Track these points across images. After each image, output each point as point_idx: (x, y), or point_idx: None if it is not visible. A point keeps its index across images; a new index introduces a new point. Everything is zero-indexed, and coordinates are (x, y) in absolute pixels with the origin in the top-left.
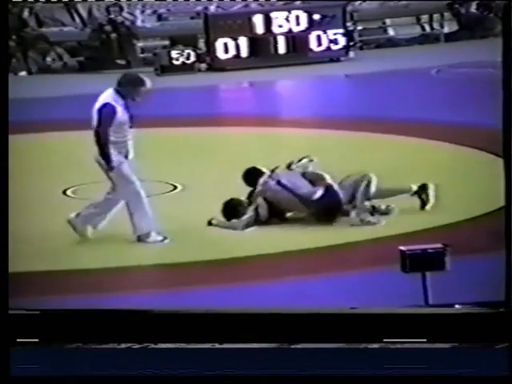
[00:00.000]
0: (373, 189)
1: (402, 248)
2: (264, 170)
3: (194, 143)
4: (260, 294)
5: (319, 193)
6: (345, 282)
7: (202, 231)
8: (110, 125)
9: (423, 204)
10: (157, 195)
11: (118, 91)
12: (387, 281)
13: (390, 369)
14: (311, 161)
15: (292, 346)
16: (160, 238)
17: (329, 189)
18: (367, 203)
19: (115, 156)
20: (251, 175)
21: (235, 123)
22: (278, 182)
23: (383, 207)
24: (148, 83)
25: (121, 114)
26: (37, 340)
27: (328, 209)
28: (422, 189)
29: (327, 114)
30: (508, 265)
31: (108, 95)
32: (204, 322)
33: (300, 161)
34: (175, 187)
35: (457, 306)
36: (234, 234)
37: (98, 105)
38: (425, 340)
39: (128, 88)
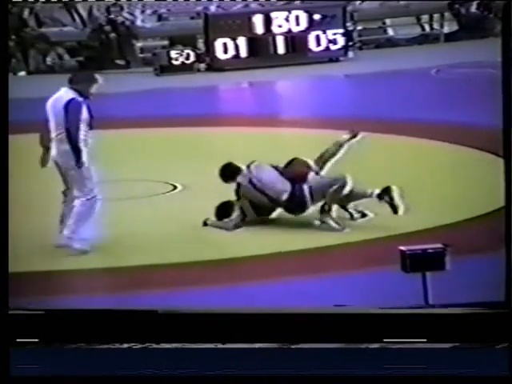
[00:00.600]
0: (344, 193)
1: (402, 248)
2: (240, 165)
3: (193, 143)
4: (260, 294)
5: (286, 195)
6: (345, 282)
7: (202, 231)
8: (80, 120)
9: (394, 209)
10: (157, 195)
11: (72, 88)
12: (387, 281)
13: (390, 369)
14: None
15: (292, 346)
16: (85, 247)
17: (296, 188)
18: (334, 209)
19: (84, 155)
20: (226, 171)
21: (235, 123)
22: (250, 181)
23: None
24: (100, 80)
25: (85, 110)
26: (37, 340)
27: (295, 208)
28: (385, 192)
29: (326, 114)
30: (508, 265)
31: (66, 92)
32: (204, 322)
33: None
34: (175, 187)
35: (456, 309)
36: (234, 234)
37: (59, 103)
38: (425, 340)
39: (82, 85)
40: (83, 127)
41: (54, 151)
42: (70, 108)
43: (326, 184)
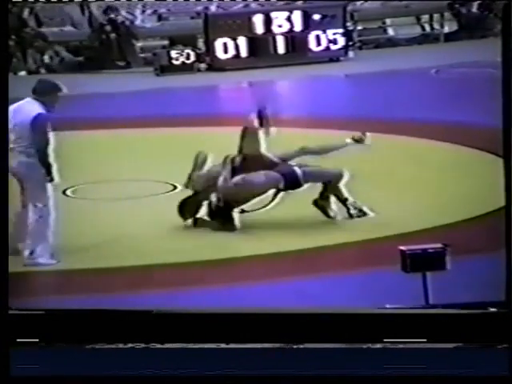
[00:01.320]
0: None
1: (402, 248)
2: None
3: (193, 143)
4: (260, 293)
5: (282, 183)
6: (345, 282)
7: (202, 231)
8: (48, 135)
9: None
10: (157, 195)
11: (36, 99)
12: (387, 281)
13: (390, 369)
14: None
15: (292, 346)
16: (53, 261)
17: (286, 173)
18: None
19: (54, 169)
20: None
21: (235, 123)
22: (242, 211)
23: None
24: (64, 88)
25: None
26: (37, 340)
27: (290, 188)
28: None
29: (326, 114)
30: (508, 265)
31: (31, 105)
32: (204, 322)
33: None
34: (175, 187)
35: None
36: (233, 234)
37: (22, 115)
38: (425, 340)
39: (46, 97)
40: (51, 142)
41: (12, 162)
42: (37, 124)
43: (320, 175)
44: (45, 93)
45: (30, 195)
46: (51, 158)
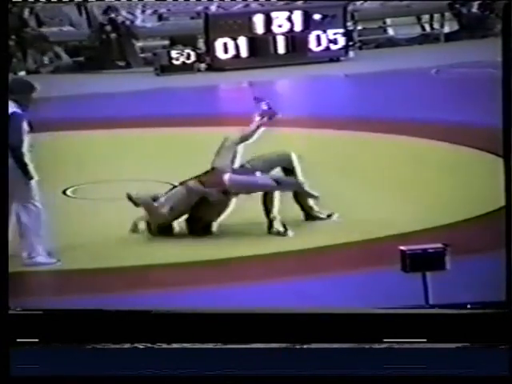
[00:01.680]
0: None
1: (402, 248)
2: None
3: (193, 143)
4: (260, 294)
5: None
6: (345, 282)
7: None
8: (22, 134)
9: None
10: None
11: (11, 99)
12: (387, 281)
13: (390, 369)
14: None
15: (292, 346)
16: (53, 260)
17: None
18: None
19: (31, 168)
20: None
21: (235, 123)
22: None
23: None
24: (38, 87)
25: (25, 122)
26: (37, 340)
27: None
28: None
29: (327, 114)
30: (508, 265)
31: None
32: (204, 323)
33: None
34: (175, 187)
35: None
36: (233, 233)
37: None
38: (425, 340)
39: (20, 95)
40: (26, 141)
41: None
42: (10, 123)
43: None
44: (19, 92)
45: (18, 196)
46: (27, 158)
